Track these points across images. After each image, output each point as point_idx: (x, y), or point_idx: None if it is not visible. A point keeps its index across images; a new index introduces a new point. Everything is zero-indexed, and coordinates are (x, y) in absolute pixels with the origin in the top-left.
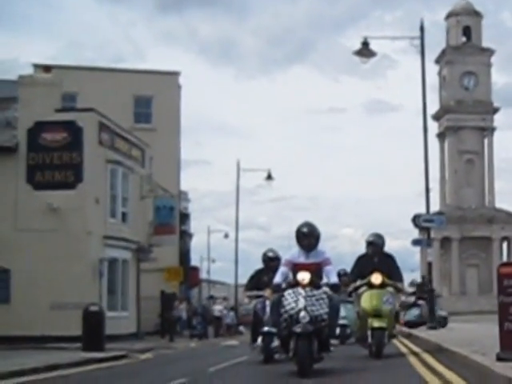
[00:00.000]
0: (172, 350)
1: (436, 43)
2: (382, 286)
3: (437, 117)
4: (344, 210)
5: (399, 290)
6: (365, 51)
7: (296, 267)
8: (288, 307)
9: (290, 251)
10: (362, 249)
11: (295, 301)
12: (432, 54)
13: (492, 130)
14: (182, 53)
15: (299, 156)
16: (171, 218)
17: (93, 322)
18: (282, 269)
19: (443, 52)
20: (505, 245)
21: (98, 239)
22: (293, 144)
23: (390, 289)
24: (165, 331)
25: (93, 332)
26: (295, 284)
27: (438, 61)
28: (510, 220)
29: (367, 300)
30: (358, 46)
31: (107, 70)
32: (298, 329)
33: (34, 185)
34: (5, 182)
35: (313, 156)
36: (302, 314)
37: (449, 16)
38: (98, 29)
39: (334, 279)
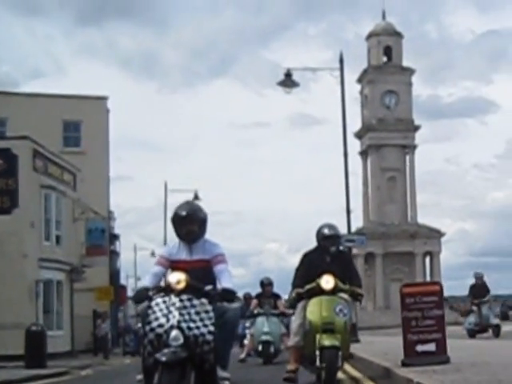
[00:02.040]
0: (108, 366)
1: (358, 56)
2: (335, 291)
3: (359, 135)
4: (269, 224)
5: (356, 297)
6: (288, 82)
7: (174, 266)
8: (155, 324)
9: (167, 245)
10: (287, 264)
11: (165, 314)
12: (358, 67)
13: (413, 147)
14: (102, 67)
15: (223, 171)
16: (102, 240)
17: (35, 340)
18: (154, 269)
19: (365, 71)
20: (427, 259)
21: (34, 261)
22: (216, 158)
23: (345, 295)
24: (97, 349)
25: (35, 350)
26: (168, 290)
27: (360, 80)
28: (431, 235)
29: (315, 310)
30: (281, 59)
31: (37, 95)
32: (162, 356)
33: None
34: None
35: (237, 171)
36: (174, 333)
37: (370, 36)
38: (15, 43)
39: (227, 283)
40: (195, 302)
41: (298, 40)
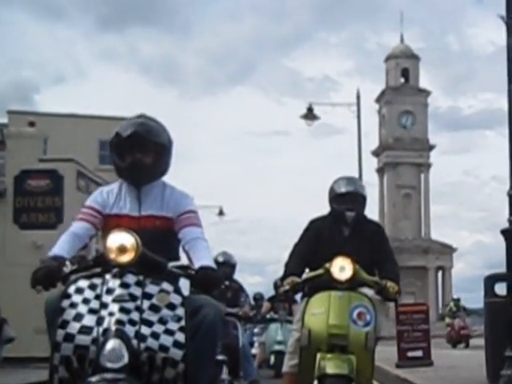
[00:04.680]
0: None
1: (379, 67)
2: (354, 284)
3: (376, 153)
4: (287, 233)
5: (388, 295)
6: (310, 115)
7: (110, 225)
8: (74, 327)
9: (100, 189)
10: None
11: (94, 310)
12: (377, 77)
13: (428, 165)
14: (123, 72)
15: (242, 179)
16: None
17: None
18: (75, 226)
19: (383, 92)
20: (440, 273)
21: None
22: (235, 166)
23: (370, 291)
24: None
25: None
26: (102, 265)
27: (378, 100)
28: (444, 250)
29: (319, 314)
30: (301, 67)
31: (76, 116)
32: None
33: (20, 225)
34: None
35: (256, 179)
36: (112, 345)
37: (388, 59)
38: (37, 47)
39: (206, 259)
40: (151, 287)
41: (318, 48)
